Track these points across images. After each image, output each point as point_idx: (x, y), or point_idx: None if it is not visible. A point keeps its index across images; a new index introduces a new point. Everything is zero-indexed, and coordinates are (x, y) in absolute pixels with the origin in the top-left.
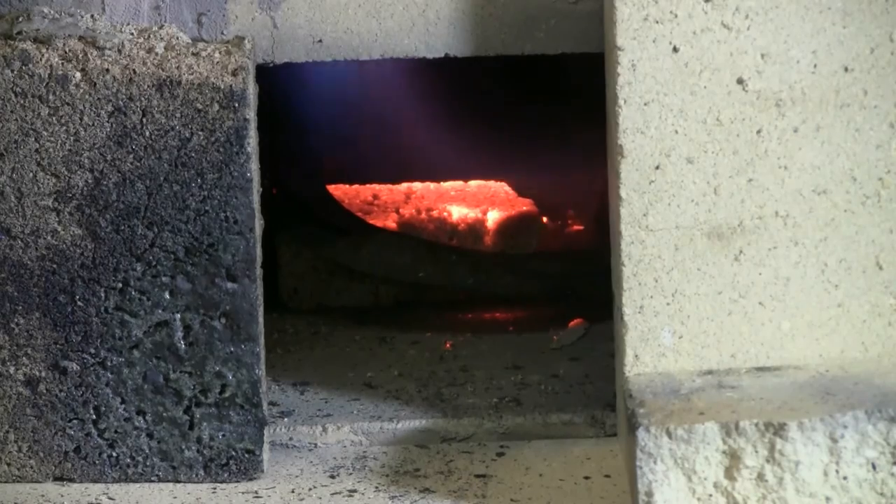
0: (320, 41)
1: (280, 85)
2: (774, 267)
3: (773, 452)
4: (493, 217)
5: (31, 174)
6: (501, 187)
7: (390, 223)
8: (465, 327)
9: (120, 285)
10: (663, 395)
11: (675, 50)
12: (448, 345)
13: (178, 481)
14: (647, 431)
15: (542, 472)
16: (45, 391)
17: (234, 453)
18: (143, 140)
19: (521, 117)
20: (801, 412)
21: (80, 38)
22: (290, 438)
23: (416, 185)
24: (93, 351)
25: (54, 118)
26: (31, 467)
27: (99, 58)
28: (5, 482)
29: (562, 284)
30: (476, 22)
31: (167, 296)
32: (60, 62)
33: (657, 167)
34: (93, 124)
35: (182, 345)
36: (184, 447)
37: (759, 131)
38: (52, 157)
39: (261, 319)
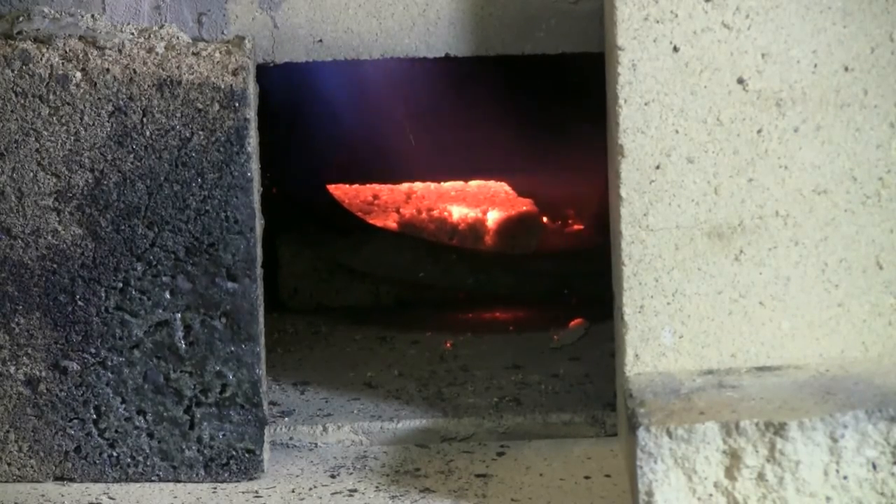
0: (320, 41)
1: (280, 85)
2: (775, 266)
3: (774, 452)
4: (493, 217)
5: (31, 174)
6: (501, 187)
7: (390, 223)
8: (465, 327)
9: (120, 285)
10: (663, 394)
11: (676, 50)
12: (448, 344)
13: (179, 481)
14: (648, 431)
15: (543, 472)
16: (45, 391)
17: (234, 453)
18: (143, 140)
19: (521, 117)
20: (801, 412)
21: (81, 38)
22: (291, 438)
23: (417, 185)
24: (93, 351)
25: (55, 118)
26: (32, 467)
27: (99, 57)
28: (6, 482)
29: (562, 284)
30: (476, 22)
31: (167, 295)
32: (61, 62)
33: (657, 167)
34: (93, 124)
35: (182, 344)
36: (184, 447)
37: (759, 131)
38: (52, 157)
39: (261, 319)
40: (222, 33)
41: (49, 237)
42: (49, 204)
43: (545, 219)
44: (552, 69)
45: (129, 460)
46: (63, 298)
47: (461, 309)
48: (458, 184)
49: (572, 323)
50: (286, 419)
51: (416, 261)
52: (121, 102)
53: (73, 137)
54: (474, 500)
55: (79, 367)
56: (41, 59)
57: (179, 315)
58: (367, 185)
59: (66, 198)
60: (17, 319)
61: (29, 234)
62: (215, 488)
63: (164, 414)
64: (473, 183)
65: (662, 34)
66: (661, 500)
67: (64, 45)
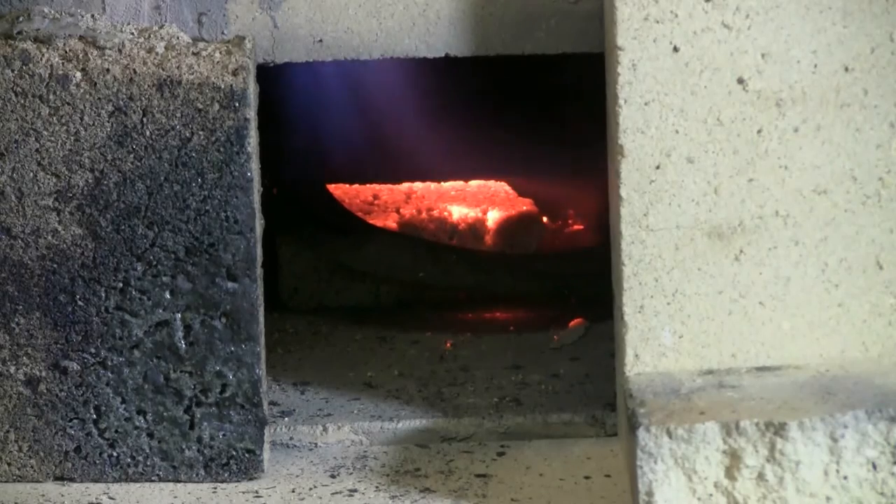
0: (321, 41)
1: (280, 85)
2: (775, 266)
3: (774, 452)
4: (493, 217)
5: (31, 174)
6: (501, 187)
7: (390, 223)
8: (465, 327)
9: (120, 285)
10: (664, 394)
11: (676, 50)
12: (448, 344)
13: (179, 481)
14: (648, 431)
15: (543, 472)
16: (45, 391)
17: (234, 453)
18: (143, 140)
19: (520, 117)
20: (801, 412)
21: (81, 38)
22: (291, 438)
23: (417, 185)
24: (93, 350)
25: (55, 118)
26: (32, 467)
27: (99, 57)
28: (6, 482)
29: (562, 284)
30: (476, 22)
31: (168, 295)
32: (61, 62)
33: (657, 167)
34: (93, 124)
35: (182, 344)
36: (184, 447)
37: (759, 131)
38: (52, 157)
39: (261, 319)
40: (222, 33)
41: (49, 237)
42: (49, 204)
43: (545, 219)
44: (552, 69)
45: (129, 460)
46: (63, 298)
47: (461, 309)
48: (458, 184)
49: (572, 323)
50: (286, 419)
51: (416, 261)
52: (121, 102)
53: (73, 137)
54: (474, 500)
55: (79, 367)
56: (41, 59)
57: (179, 315)
58: (367, 185)
59: (66, 198)
60: (17, 319)
61: (29, 234)
62: (215, 488)
63: (164, 414)
64: (473, 183)
65: (662, 34)
66: (661, 500)
67: (64, 45)
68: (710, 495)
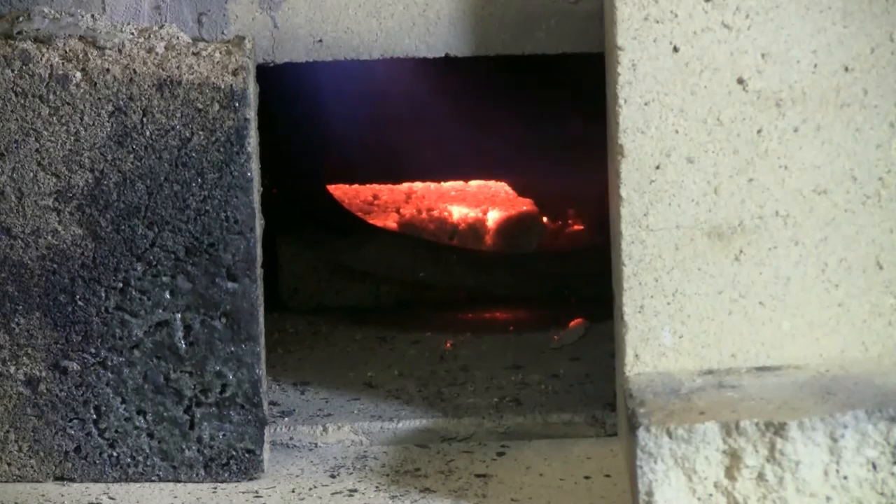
0: (321, 41)
1: (280, 85)
2: (775, 266)
3: (774, 452)
4: (493, 217)
5: (31, 174)
6: (501, 187)
7: (391, 223)
8: (465, 327)
9: (120, 285)
10: (663, 394)
11: (676, 50)
12: (448, 345)
13: (179, 481)
14: (648, 431)
15: (543, 472)
16: (45, 391)
17: (234, 453)
18: (143, 140)
19: (521, 117)
20: (801, 412)
21: (81, 38)
22: (291, 438)
23: (417, 185)
24: (93, 351)
25: (55, 118)
26: (32, 467)
27: (99, 57)
28: (6, 482)
29: (562, 284)
30: (476, 22)
31: (168, 295)
32: (61, 62)
33: (657, 167)
34: (93, 124)
35: (182, 344)
36: (184, 447)
37: (759, 131)
38: (52, 157)
39: (261, 319)
40: (222, 33)
41: (49, 237)
42: (49, 204)
43: (545, 219)
44: (552, 69)
45: (129, 460)
46: (63, 298)
47: (461, 309)
48: (458, 184)
49: (572, 323)
50: (286, 419)
51: (416, 261)
52: (121, 102)
53: (73, 137)
54: (474, 500)
55: (79, 367)
56: (41, 59)
57: (179, 315)
58: (367, 185)
59: (66, 198)
60: (17, 319)
61: (29, 234)
62: (215, 488)
63: (164, 414)
64: (473, 183)
65: (662, 34)
66: (661, 500)
67: (64, 45)
68: (710, 495)
